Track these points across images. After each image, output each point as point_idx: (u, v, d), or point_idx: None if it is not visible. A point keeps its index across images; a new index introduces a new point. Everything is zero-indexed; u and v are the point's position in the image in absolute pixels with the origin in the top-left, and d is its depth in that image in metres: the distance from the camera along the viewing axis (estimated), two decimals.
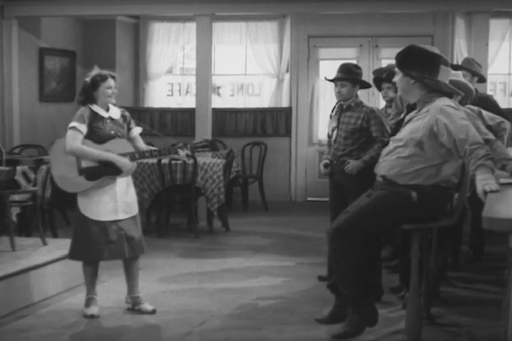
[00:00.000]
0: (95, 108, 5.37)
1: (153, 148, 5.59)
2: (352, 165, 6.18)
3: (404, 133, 4.54)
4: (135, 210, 5.51)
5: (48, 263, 5.96)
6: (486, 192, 3.93)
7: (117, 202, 5.37)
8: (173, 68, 12.25)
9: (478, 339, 4.93)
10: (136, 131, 5.57)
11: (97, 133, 5.34)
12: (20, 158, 8.41)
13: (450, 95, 4.64)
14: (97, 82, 5.34)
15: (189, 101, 11.65)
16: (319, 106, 11.52)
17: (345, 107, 6.33)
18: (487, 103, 6.99)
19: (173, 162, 8.51)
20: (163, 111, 11.85)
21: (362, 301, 4.62)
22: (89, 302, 5.47)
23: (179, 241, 8.29)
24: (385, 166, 4.56)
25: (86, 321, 5.32)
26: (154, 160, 8.47)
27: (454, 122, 4.32)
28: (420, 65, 4.48)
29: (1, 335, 5.02)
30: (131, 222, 5.43)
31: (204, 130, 9.79)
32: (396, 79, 4.60)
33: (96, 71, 5.41)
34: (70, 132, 5.31)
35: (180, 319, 5.37)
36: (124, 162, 5.32)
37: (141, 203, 8.61)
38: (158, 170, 8.53)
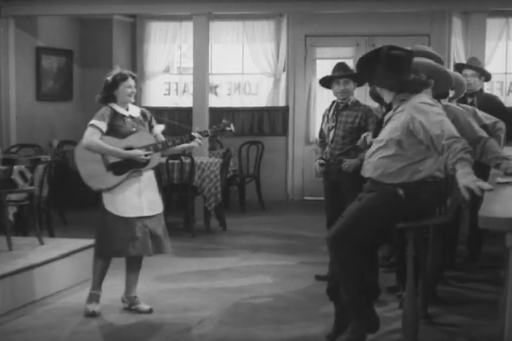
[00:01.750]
0: (115, 107, 5.43)
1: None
2: (348, 163, 6.19)
3: (384, 133, 4.55)
4: (160, 208, 5.53)
5: (44, 263, 5.96)
6: (482, 191, 3.93)
7: (142, 198, 5.41)
8: (170, 67, 12.24)
9: (475, 339, 4.93)
10: (159, 128, 5.63)
11: (118, 131, 5.40)
12: (17, 158, 8.40)
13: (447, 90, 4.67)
14: (117, 81, 5.40)
15: (186, 101, 11.65)
16: (316, 105, 11.53)
17: (341, 106, 6.34)
18: (494, 103, 7.00)
19: (171, 161, 8.51)
20: (160, 111, 11.83)
21: (363, 307, 4.60)
22: (92, 298, 5.48)
23: (176, 241, 8.24)
24: (370, 168, 4.58)
25: (83, 320, 5.31)
26: None
27: (428, 119, 4.33)
28: (382, 66, 4.49)
29: None
30: (155, 219, 5.46)
31: (201, 129, 9.76)
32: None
33: (117, 70, 5.48)
34: (88, 129, 5.39)
35: (177, 318, 5.37)
36: (139, 154, 5.35)
37: None
38: (155, 170, 8.51)
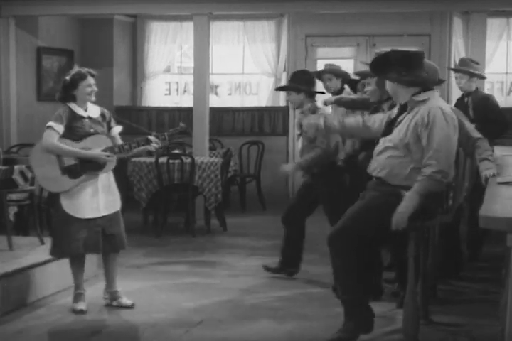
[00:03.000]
0: (74, 107, 5.44)
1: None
2: (287, 167, 6.28)
3: (394, 134, 4.57)
4: (117, 207, 5.55)
5: (45, 263, 5.95)
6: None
7: (99, 199, 5.43)
8: (170, 67, 12.24)
9: (476, 339, 4.93)
10: (116, 130, 5.64)
11: (76, 132, 5.41)
12: (18, 157, 8.40)
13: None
14: (76, 80, 5.42)
15: (187, 101, 11.65)
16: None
17: (302, 115, 6.43)
18: (487, 102, 7.04)
19: (171, 161, 8.51)
20: (160, 111, 11.85)
21: (359, 306, 4.61)
22: (77, 297, 5.52)
23: (176, 241, 8.28)
24: (377, 167, 4.59)
25: (83, 320, 5.31)
26: (152, 159, 8.47)
27: (433, 129, 4.38)
28: (396, 64, 4.51)
29: None
30: (110, 218, 5.48)
31: (201, 129, 9.78)
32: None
33: (75, 69, 5.47)
34: (46, 131, 5.40)
35: (177, 318, 5.37)
36: (100, 154, 5.37)
37: (138, 202, 8.70)
38: (155, 169, 8.52)
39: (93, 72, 5.51)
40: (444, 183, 4.40)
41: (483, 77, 7.58)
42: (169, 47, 11.94)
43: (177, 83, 12.18)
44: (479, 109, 6.89)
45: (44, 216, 7.87)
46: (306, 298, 5.92)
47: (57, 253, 5.53)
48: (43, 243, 6.51)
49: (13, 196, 6.93)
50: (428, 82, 4.57)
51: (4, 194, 6.51)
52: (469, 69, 7.10)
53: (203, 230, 8.79)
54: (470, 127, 5.21)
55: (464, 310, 5.52)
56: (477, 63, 7.33)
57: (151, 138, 5.48)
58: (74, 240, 5.36)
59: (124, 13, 11.17)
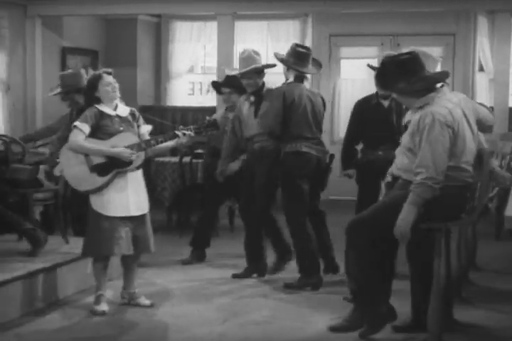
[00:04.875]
0: (102, 107, 5.45)
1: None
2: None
3: (403, 137, 4.67)
4: (145, 209, 5.55)
5: (70, 262, 5.98)
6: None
7: (128, 198, 5.42)
8: (194, 67, 12.26)
9: (501, 340, 4.91)
10: (145, 128, 5.64)
11: (105, 131, 5.42)
12: (43, 157, 8.44)
13: None
14: (93, 83, 5.46)
15: (210, 100, 11.66)
16: (341, 105, 11.48)
17: None
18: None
19: (194, 161, 8.52)
20: (184, 110, 11.86)
21: (366, 297, 4.66)
22: (99, 299, 5.52)
23: None
24: (395, 167, 4.67)
25: (106, 320, 5.33)
26: (176, 159, 8.49)
27: (422, 135, 4.39)
28: (390, 76, 4.54)
29: (20, 333, 5.04)
30: (139, 219, 5.48)
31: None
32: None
33: (89, 74, 5.53)
34: (72, 131, 5.43)
35: (200, 318, 5.38)
36: (123, 151, 5.35)
37: (161, 202, 8.72)
38: (179, 169, 8.55)
39: (108, 70, 5.53)
40: (436, 189, 4.37)
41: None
42: (193, 47, 11.96)
43: (201, 83, 12.20)
44: None
45: (69, 215, 7.90)
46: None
47: (88, 252, 5.53)
48: (67, 242, 6.55)
49: (39, 195, 6.98)
50: (422, 84, 4.52)
51: (31, 193, 6.55)
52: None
53: (227, 229, 8.80)
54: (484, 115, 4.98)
55: (488, 310, 5.49)
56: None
57: (178, 132, 5.49)
58: (105, 239, 5.35)
59: (148, 12, 11.21)
